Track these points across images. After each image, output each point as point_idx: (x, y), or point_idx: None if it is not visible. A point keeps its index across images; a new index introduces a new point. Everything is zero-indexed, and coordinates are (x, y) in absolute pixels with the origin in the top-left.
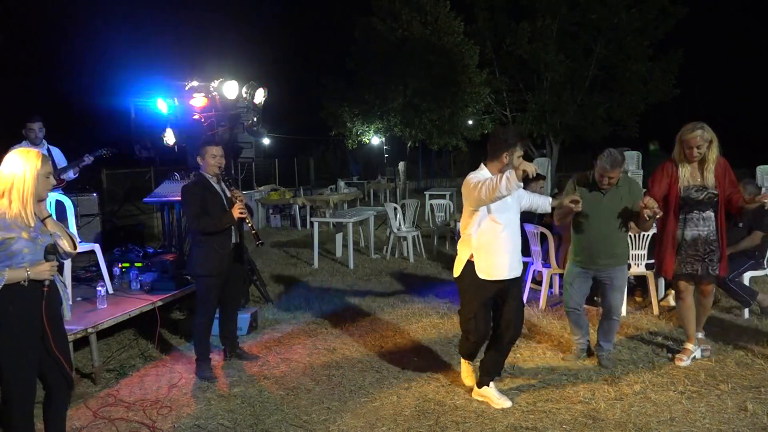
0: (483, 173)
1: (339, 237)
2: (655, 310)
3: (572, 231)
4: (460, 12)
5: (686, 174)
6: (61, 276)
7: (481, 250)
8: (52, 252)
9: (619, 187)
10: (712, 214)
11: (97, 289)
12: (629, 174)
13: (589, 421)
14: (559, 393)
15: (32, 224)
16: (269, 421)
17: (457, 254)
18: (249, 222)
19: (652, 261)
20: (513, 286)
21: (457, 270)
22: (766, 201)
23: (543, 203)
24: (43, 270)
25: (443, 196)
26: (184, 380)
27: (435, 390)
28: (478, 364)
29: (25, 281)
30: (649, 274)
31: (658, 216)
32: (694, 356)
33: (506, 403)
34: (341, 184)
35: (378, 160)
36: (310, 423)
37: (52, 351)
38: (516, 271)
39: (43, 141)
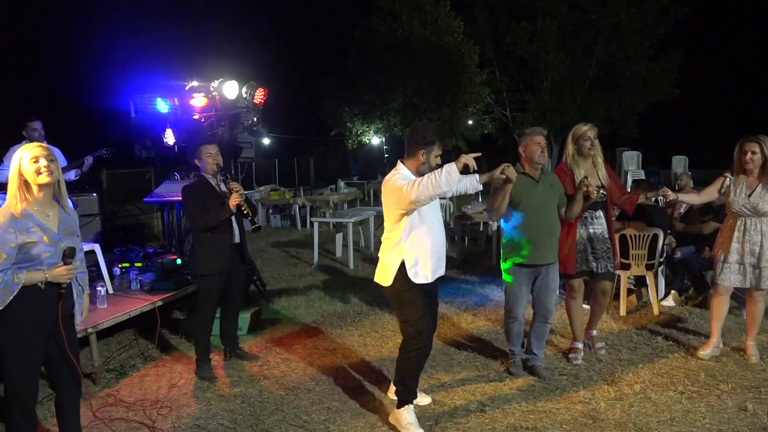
0: (404, 172)
1: (339, 237)
2: (655, 310)
3: (510, 226)
4: (460, 12)
5: (581, 174)
6: (79, 279)
7: (413, 254)
8: (69, 255)
9: (546, 174)
10: (602, 213)
11: (97, 289)
12: (630, 174)
13: (589, 421)
14: (559, 393)
15: (56, 228)
16: (269, 421)
17: (381, 261)
18: (245, 209)
19: (653, 261)
20: (435, 285)
21: (387, 278)
22: (669, 195)
23: (470, 182)
24: (60, 273)
25: (443, 196)
26: (184, 380)
27: (435, 389)
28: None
29: (42, 283)
30: (650, 274)
31: (598, 194)
32: (584, 354)
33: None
34: (341, 184)
35: (378, 160)
36: (310, 423)
37: (65, 351)
38: (441, 271)
39: (44, 141)
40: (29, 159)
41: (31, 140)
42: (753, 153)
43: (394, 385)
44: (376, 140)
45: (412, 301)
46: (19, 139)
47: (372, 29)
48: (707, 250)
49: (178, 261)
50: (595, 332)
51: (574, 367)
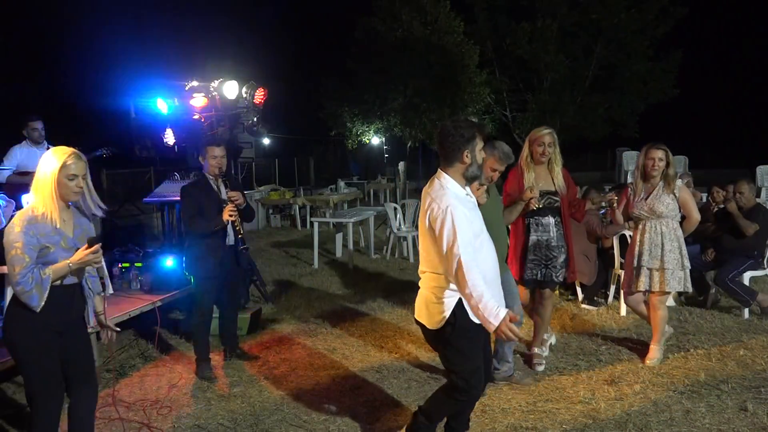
0: (449, 187)
1: (339, 237)
2: None
3: None
4: (460, 12)
5: (531, 179)
6: (89, 283)
7: None
8: (93, 242)
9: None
10: (552, 220)
11: None
12: (629, 174)
13: (589, 421)
14: (559, 393)
15: (71, 233)
16: (269, 421)
17: (425, 297)
18: (238, 226)
19: None
20: None
21: (436, 320)
22: (613, 199)
23: None
24: (82, 258)
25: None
26: (184, 380)
27: (435, 390)
28: None
29: (67, 275)
30: None
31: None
32: (545, 357)
33: None
34: (341, 184)
35: (378, 160)
36: (310, 423)
37: (79, 352)
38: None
39: (44, 141)
40: (67, 175)
41: (32, 140)
42: (660, 159)
43: (418, 413)
44: (376, 140)
45: (467, 349)
46: (19, 139)
47: (372, 29)
48: (711, 252)
49: (170, 263)
50: (536, 349)
51: (574, 367)
